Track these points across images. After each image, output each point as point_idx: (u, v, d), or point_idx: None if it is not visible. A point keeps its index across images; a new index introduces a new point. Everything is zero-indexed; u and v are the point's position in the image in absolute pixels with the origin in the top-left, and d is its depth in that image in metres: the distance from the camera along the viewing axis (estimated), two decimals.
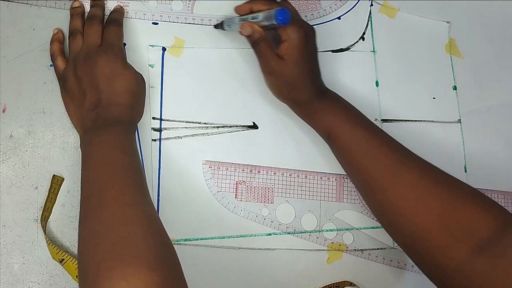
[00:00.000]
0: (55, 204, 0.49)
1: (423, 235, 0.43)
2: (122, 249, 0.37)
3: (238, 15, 0.52)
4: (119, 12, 0.52)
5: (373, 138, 0.47)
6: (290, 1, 0.54)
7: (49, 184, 0.49)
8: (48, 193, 0.49)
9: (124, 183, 0.42)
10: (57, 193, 0.49)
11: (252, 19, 0.49)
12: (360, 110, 0.50)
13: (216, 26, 0.55)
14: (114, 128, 0.46)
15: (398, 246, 0.54)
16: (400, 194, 0.44)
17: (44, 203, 0.49)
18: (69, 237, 0.49)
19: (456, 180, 0.45)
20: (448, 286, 0.42)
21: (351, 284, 0.52)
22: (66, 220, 0.49)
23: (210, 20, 0.55)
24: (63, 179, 0.50)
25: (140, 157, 0.51)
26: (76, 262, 0.46)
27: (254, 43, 0.50)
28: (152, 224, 0.41)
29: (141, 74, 0.50)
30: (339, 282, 0.52)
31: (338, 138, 0.48)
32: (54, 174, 0.49)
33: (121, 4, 0.53)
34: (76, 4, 0.52)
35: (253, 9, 0.50)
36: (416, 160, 0.46)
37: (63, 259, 0.46)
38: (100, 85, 0.47)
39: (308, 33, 0.49)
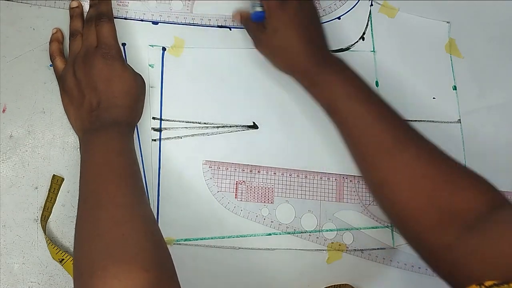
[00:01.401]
0: (55, 204, 0.49)
1: (413, 215, 0.43)
2: (116, 249, 0.38)
3: None
4: (105, 4, 0.51)
5: (371, 114, 0.46)
6: None
7: (49, 184, 0.49)
8: (48, 193, 0.49)
9: (120, 185, 0.43)
10: (57, 193, 0.49)
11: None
12: None
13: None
14: (112, 130, 0.46)
15: (398, 246, 0.54)
16: (393, 174, 0.44)
17: (44, 203, 0.49)
18: (69, 237, 0.49)
19: (450, 160, 0.44)
20: (439, 266, 0.42)
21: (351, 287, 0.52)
22: (66, 220, 0.49)
23: (210, 20, 0.55)
24: (63, 179, 0.50)
25: (140, 157, 0.51)
26: None
27: (243, 22, 0.53)
28: (146, 225, 0.41)
29: (140, 75, 0.50)
30: (340, 285, 0.52)
31: (336, 113, 0.47)
32: (54, 174, 0.49)
33: (121, 4, 0.53)
34: (74, 4, 0.52)
35: None
36: (413, 138, 0.45)
37: (63, 259, 0.46)
38: (98, 87, 0.47)
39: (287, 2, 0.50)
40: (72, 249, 0.48)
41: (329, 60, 0.49)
